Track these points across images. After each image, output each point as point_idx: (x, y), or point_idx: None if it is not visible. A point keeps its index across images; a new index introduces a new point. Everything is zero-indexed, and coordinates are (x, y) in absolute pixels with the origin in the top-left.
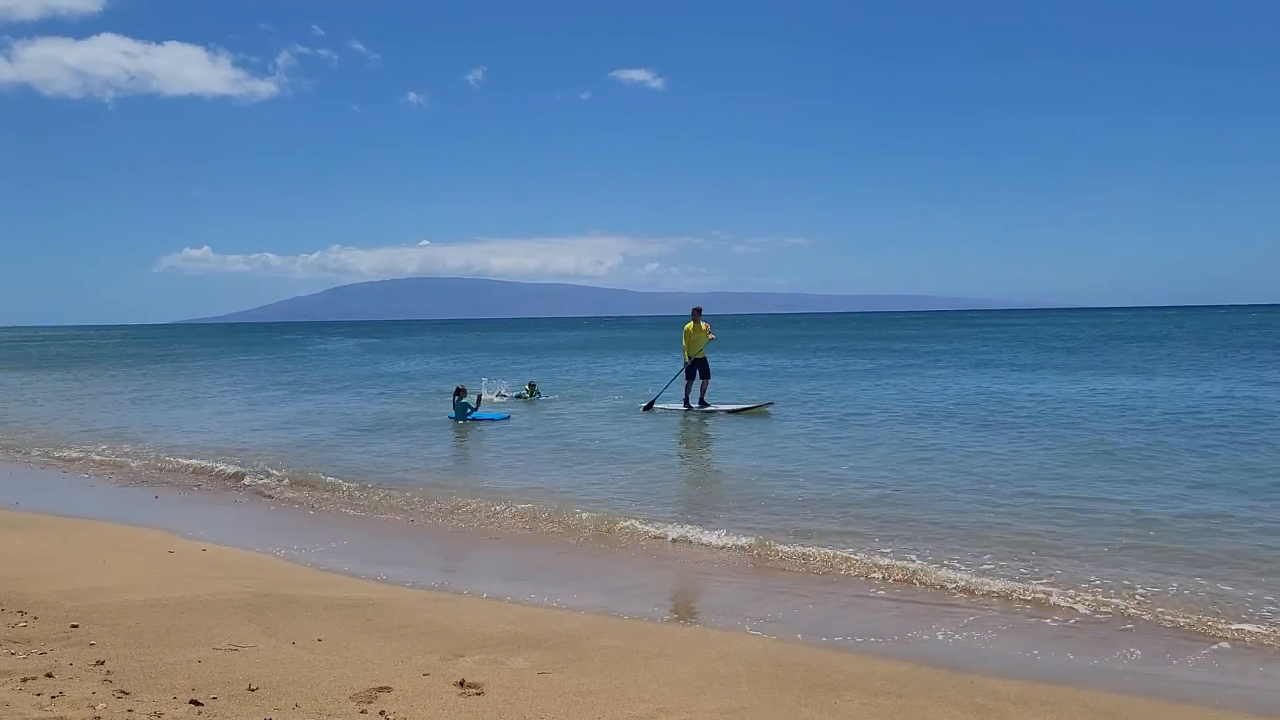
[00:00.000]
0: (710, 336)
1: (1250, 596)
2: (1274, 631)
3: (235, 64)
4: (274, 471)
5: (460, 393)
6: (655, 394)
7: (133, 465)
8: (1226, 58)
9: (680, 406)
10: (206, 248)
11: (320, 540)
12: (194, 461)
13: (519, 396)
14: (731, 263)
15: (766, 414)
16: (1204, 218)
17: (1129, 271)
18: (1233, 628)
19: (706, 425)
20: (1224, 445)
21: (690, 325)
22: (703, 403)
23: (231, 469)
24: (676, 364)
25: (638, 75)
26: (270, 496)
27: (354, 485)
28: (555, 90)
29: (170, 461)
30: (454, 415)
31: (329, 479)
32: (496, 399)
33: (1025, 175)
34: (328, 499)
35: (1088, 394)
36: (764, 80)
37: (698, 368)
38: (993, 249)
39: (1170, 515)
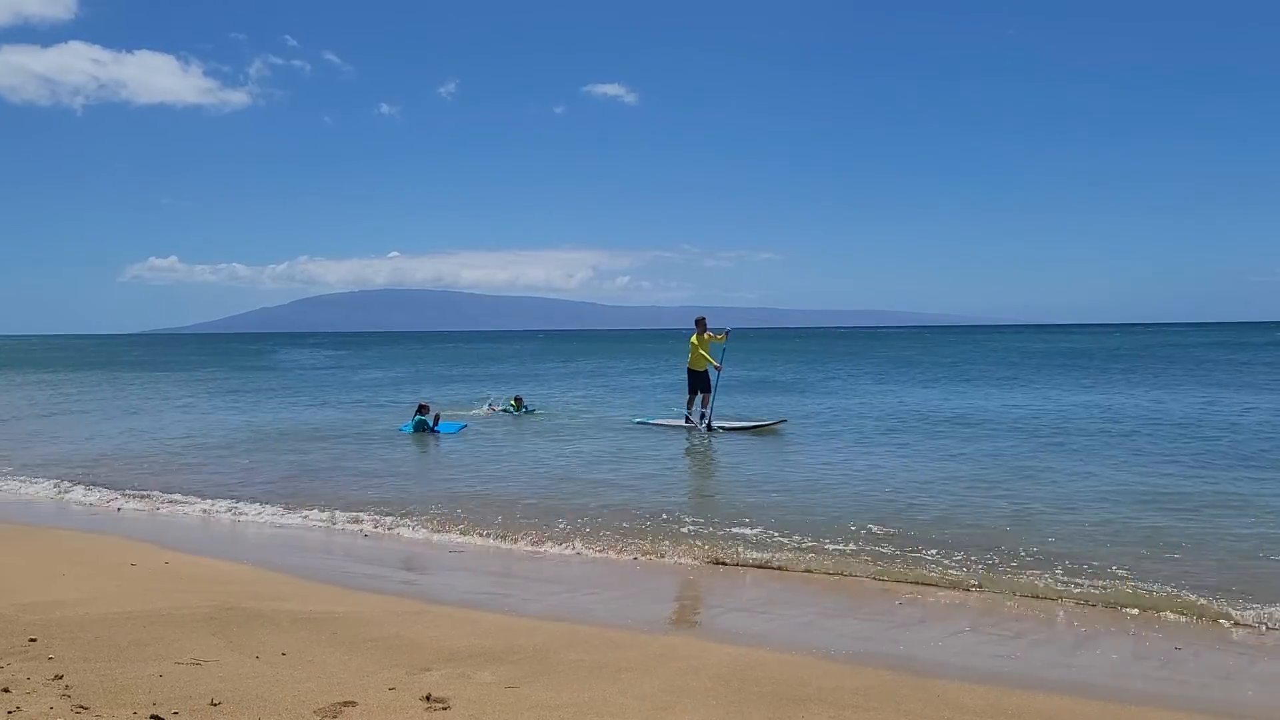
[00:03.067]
0: (718, 338)
1: (1235, 610)
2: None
3: (207, 73)
4: (240, 484)
5: (422, 409)
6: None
7: (96, 474)
8: (1187, 80)
9: (681, 424)
10: (174, 257)
11: (286, 554)
12: (159, 478)
13: (504, 411)
14: (701, 276)
15: (775, 432)
16: (1165, 238)
17: (1093, 289)
18: (1202, 628)
19: (698, 441)
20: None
21: (694, 337)
22: (708, 425)
23: (187, 483)
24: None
25: (611, 90)
26: (233, 510)
27: (320, 497)
28: (528, 103)
29: (133, 472)
30: (407, 428)
31: (290, 492)
32: (484, 413)
33: (989, 193)
34: (285, 512)
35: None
36: (736, 96)
37: (697, 383)
38: (957, 265)
39: (1129, 523)
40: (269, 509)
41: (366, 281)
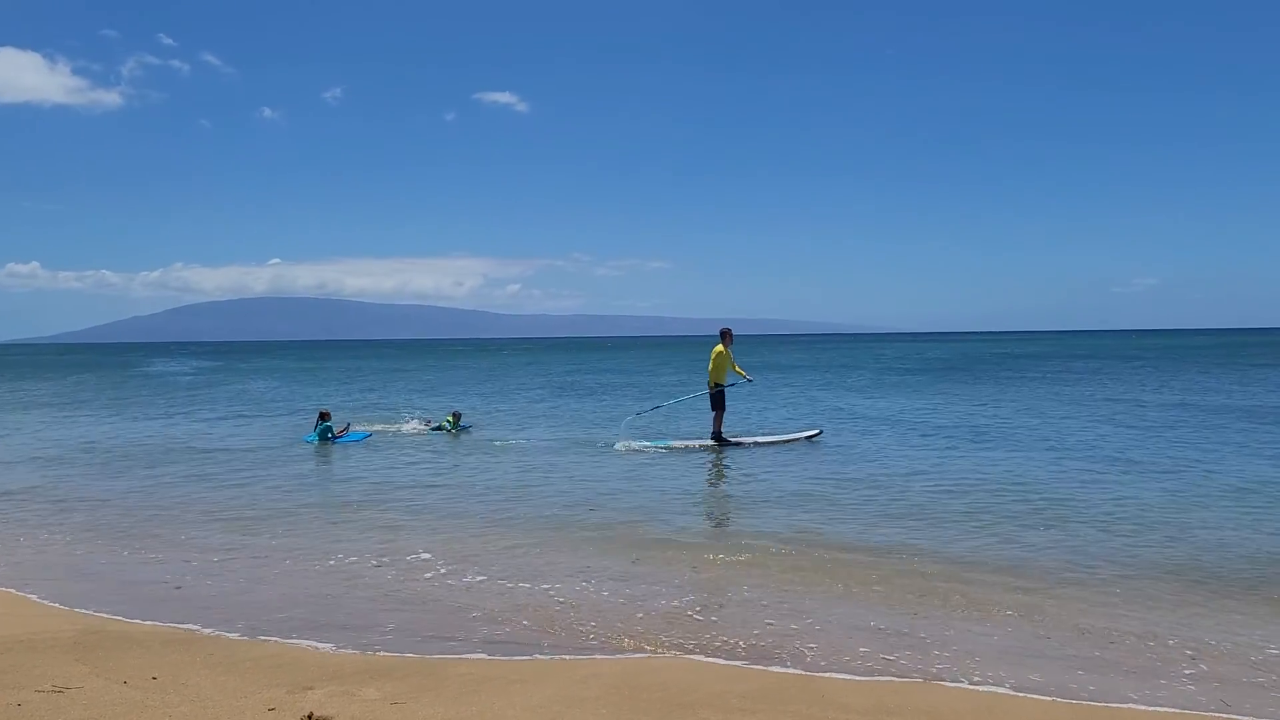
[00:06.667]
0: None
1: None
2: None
3: (76, 72)
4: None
5: (324, 417)
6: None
7: None
8: (1078, 82)
9: (711, 442)
10: (35, 263)
11: (158, 575)
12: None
13: (438, 428)
14: (593, 285)
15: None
16: (1036, 249)
17: (975, 300)
18: (1103, 633)
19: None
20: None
21: (720, 348)
22: (719, 437)
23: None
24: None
25: (502, 98)
26: (97, 529)
27: (203, 515)
28: (418, 110)
29: None
30: (312, 438)
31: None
32: (415, 430)
33: (880, 199)
34: (165, 532)
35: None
36: (626, 104)
37: (717, 397)
38: (844, 275)
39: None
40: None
41: (246, 289)
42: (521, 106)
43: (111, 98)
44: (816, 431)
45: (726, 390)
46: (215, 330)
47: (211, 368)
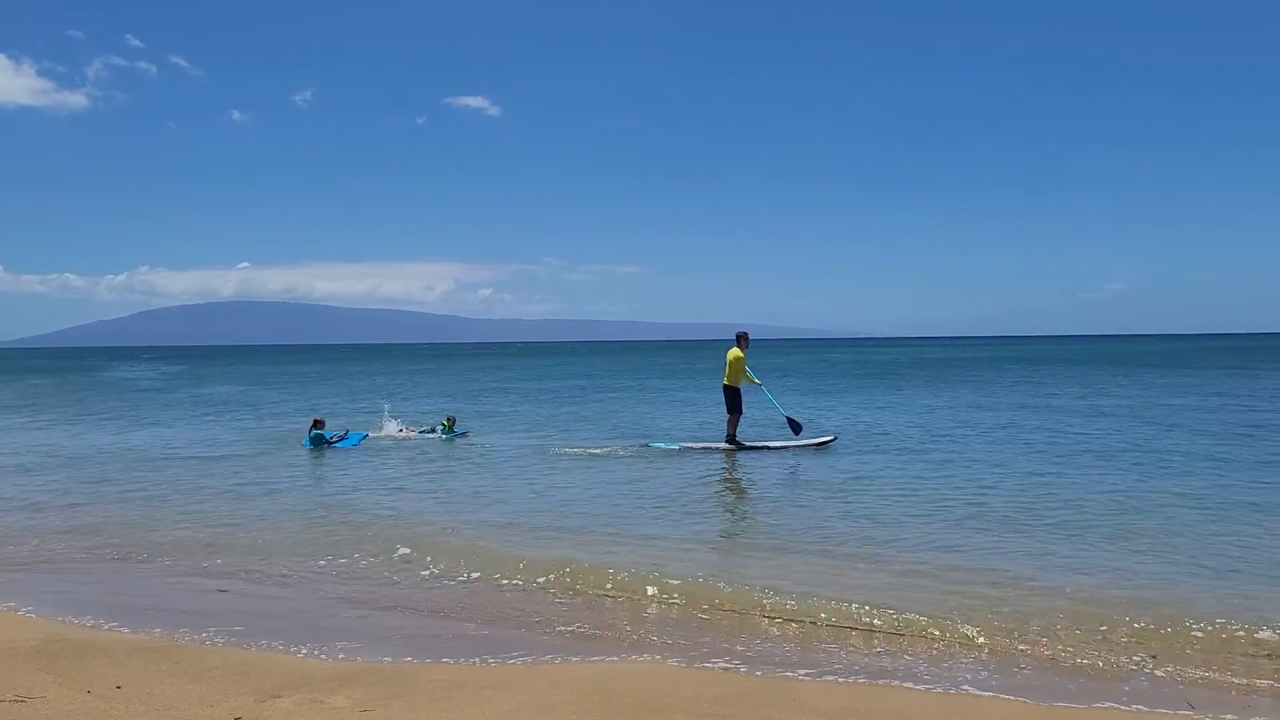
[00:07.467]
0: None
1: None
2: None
3: (41, 73)
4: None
5: (318, 424)
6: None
7: None
8: (1022, 81)
9: (725, 445)
10: None
11: (123, 583)
12: None
13: (429, 432)
14: (565, 290)
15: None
16: (1008, 255)
17: (953, 306)
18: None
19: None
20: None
21: (736, 352)
22: (734, 440)
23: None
24: (754, 391)
25: (474, 102)
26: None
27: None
28: (389, 114)
29: None
30: (308, 444)
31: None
32: (399, 434)
33: (856, 203)
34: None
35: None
36: (597, 109)
37: (733, 399)
38: (818, 279)
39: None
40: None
41: (214, 293)
42: (493, 110)
43: (77, 99)
44: (831, 438)
45: (743, 394)
46: (182, 335)
47: (177, 372)
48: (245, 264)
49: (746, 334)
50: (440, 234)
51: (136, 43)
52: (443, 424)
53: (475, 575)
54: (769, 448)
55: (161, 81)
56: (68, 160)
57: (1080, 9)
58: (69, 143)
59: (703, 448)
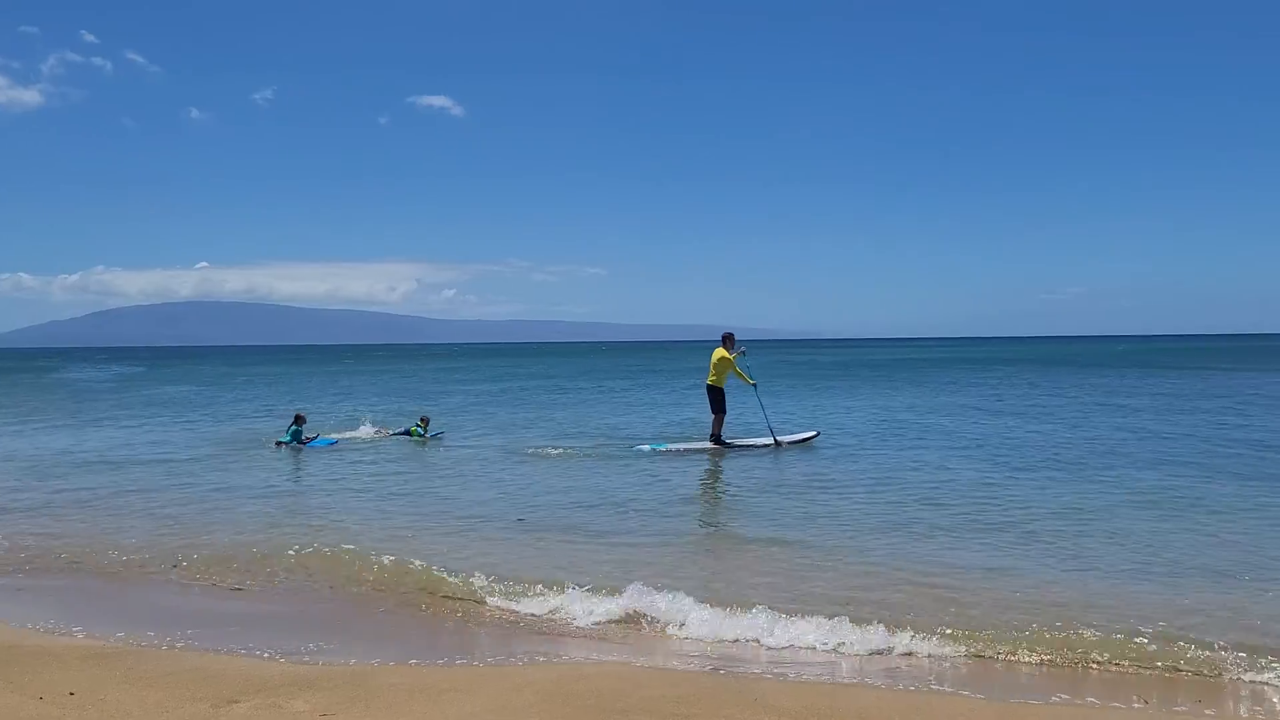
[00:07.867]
0: (733, 356)
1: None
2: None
3: None
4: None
5: (299, 420)
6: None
7: None
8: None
9: (710, 445)
10: None
11: (76, 587)
12: None
13: (404, 433)
14: (530, 291)
15: (767, 448)
16: (974, 257)
17: (921, 308)
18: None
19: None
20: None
21: (721, 352)
22: (719, 440)
23: None
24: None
25: (437, 101)
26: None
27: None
28: (351, 113)
29: None
30: (287, 439)
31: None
32: (370, 436)
33: (821, 205)
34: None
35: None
36: (562, 110)
37: (717, 400)
38: (785, 281)
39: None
40: None
41: (171, 293)
42: (457, 110)
43: (31, 96)
44: (814, 434)
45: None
46: (139, 335)
47: (133, 374)
48: (204, 264)
49: (732, 335)
50: (403, 234)
51: (91, 38)
52: (417, 424)
53: (430, 579)
54: (753, 446)
55: (118, 78)
56: (21, 158)
57: (1039, 9)
58: (22, 140)
59: (685, 449)
